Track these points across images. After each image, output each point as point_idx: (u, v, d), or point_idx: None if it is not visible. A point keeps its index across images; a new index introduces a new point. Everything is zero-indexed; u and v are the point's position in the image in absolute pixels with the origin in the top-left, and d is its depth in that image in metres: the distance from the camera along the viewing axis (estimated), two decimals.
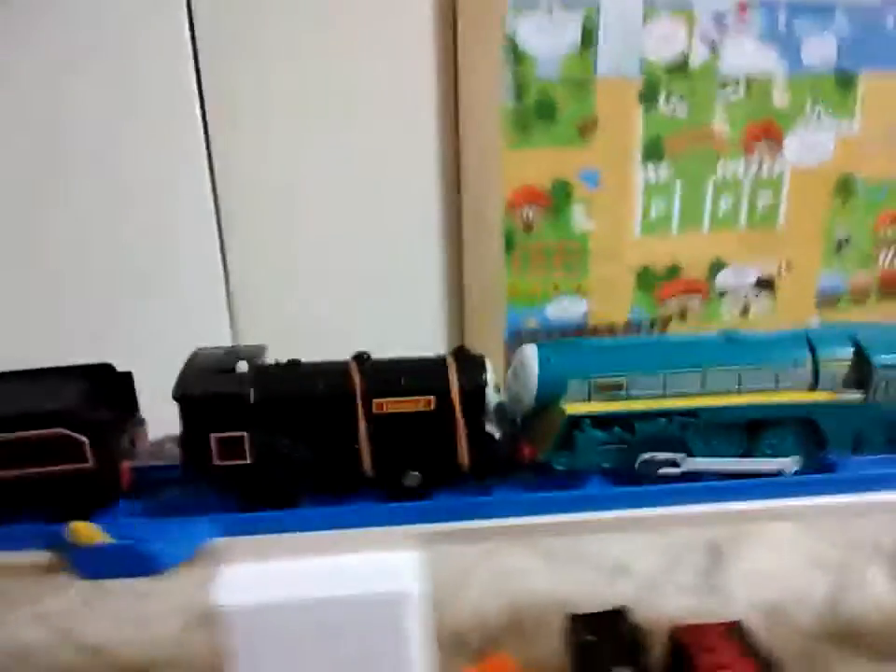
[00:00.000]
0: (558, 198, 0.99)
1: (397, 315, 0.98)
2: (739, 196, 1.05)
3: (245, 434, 0.50)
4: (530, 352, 0.55)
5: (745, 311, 1.11)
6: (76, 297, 0.91)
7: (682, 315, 1.09)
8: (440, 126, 0.95)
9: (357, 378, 0.51)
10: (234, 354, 0.54)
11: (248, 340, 0.94)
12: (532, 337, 1.01)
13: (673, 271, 1.06)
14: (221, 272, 0.94)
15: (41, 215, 0.88)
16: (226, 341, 0.94)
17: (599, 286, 1.05)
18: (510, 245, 1.00)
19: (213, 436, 0.50)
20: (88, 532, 0.48)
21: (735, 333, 0.58)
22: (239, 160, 0.91)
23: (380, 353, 0.55)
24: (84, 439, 0.49)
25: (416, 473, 0.52)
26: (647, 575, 0.85)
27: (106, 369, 0.55)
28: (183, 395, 0.50)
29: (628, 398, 0.55)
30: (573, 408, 0.53)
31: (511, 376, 0.57)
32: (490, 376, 0.53)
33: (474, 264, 1.01)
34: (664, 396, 0.55)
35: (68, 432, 0.49)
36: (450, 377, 0.52)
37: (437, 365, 0.53)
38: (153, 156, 0.88)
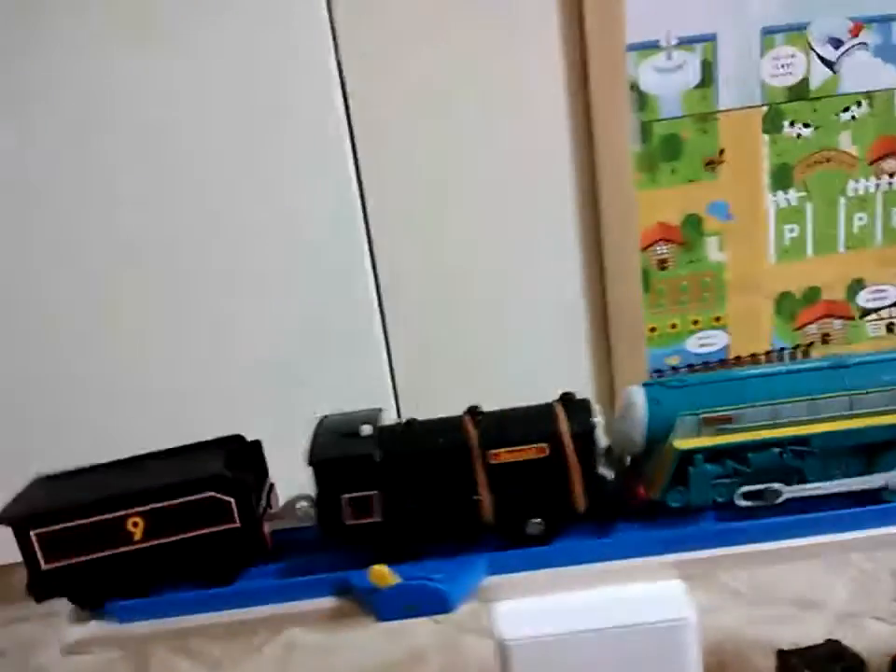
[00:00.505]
0: (690, 233, 1.00)
1: (545, 359, 1.00)
2: (873, 213, 1.04)
3: (375, 493, 0.52)
4: (636, 392, 0.55)
5: (890, 329, 1.08)
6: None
7: (824, 340, 1.07)
8: (576, 178, 0.98)
9: (471, 431, 0.53)
10: (356, 418, 0.56)
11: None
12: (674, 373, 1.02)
13: (812, 294, 1.05)
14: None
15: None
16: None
17: (738, 316, 1.04)
18: (646, 283, 1.02)
19: (344, 497, 0.52)
20: (385, 575, 0.50)
21: (842, 358, 0.57)
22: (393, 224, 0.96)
23: (529, 397, 0.56)
24: (231, 500, 0.52)
25: (539, 520, 0.53)
26: (836, 605, 0.82)
27: (238, 439, 0.59)
28: (316, 460, 0.52)
29: (738, 430, 0.54)
30: (684, 444, 0.53)
31: (619, 417, 0.56)
32: (598, 419, 0.54)
33: (616, 307, 1.02)
34: (774, 426, 0.54)
35: (216, 494, 0.52)
36: (560, 423, 0.53)
37: (546, 412, 0.54)
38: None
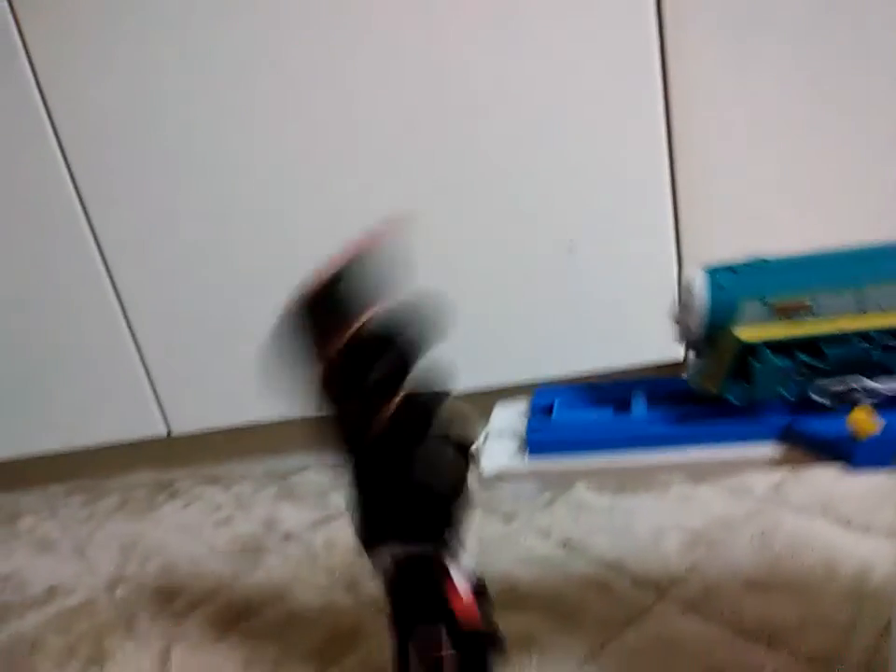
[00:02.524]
0: None
1: None
2: None
3: None
4: (697, 275, 0.49)
5: None
6: None
7: None
8: None
9: None
10: None
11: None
12: None
13: None
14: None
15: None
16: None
17: None
18: None
19: None
20: (867, 421, 0.44)
21: None
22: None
23: None
24: None
25: None
26: None
27: None
28: None
29: (815, 319, 0.47)
30: (748, 334, 0.47)
31: (678, 304, 0.51)
32: None
33: None
34: (860, 314, 0.46)
35: None
36: None
37: None
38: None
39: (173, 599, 0.91)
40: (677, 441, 0.50)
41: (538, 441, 0.52)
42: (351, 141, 0.95)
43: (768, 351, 0.47)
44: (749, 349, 0.47)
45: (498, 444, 0.53)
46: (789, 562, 0.76)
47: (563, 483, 0.90)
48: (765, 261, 0.49)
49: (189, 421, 1.14)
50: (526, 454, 0.52)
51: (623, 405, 0.55)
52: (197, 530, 1.07)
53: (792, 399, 0.48)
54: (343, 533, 0.98)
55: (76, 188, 1.01)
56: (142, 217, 1.02)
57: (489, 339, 0.99)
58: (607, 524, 0.88)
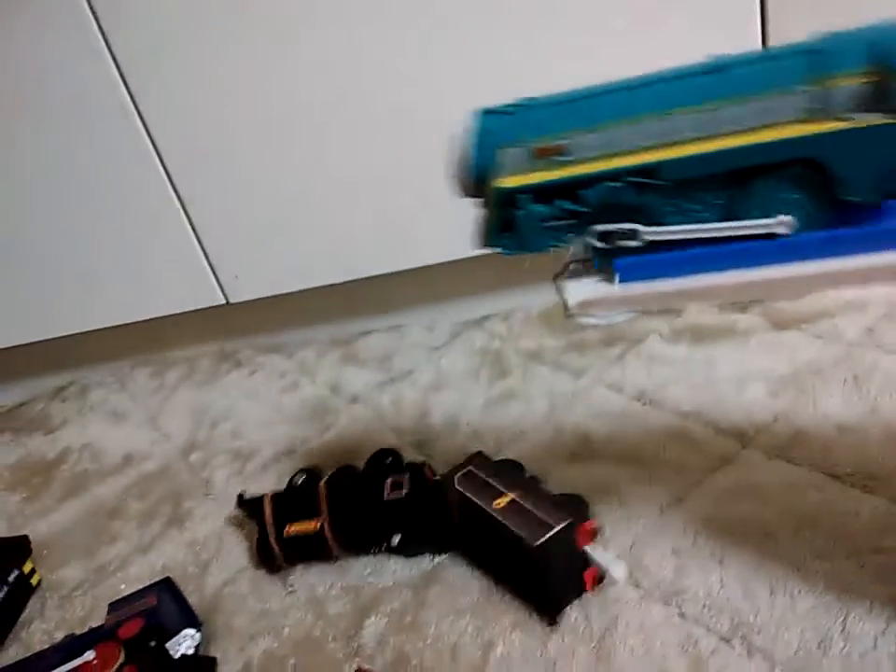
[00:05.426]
0: None
1: None
2: None
3: None
4: (464, 120, 0.46)
5: None
6: None
7: None
8: None
9: None
10: None
11: None
12: None
13: None
14: None
15: None
16: None
17: None
18: None
19: None
20: None
21: (721, 59, 0.43)
22: None
23: None
24: None
25: None
26: None
27: None
28: None
29: (575, 162, 0.44)
30: (505, 182, 0.45)
31: (449, 156, 0.48)
32: None
33: None
34: (616, 154, 0.44)
35: None
36: None
37: None
38: None
39: (247, 461, 0.92)
40: (795, 253, 0.43)
41: (630, 263, 0.46)
42: None
43: (526, 198, 0.45)
44: (511, 197, 0.46)
45: (581, 274, 0.49)
46: (886, 404, 0.72)
47: (662, 306, 0.85)
48: (534, 101, 0.46)
49: (245, 289, 1.12)
50: (616, 279, 0.46)
51: None
52: (264, 396, 1.07)
53: (564, 247, 0.46)
54: (409, 392, 0.97)
55: (116, 64, 0.96)
56: (189, 89, 0.97)
57: None
58: (684, 375, 0.85)
